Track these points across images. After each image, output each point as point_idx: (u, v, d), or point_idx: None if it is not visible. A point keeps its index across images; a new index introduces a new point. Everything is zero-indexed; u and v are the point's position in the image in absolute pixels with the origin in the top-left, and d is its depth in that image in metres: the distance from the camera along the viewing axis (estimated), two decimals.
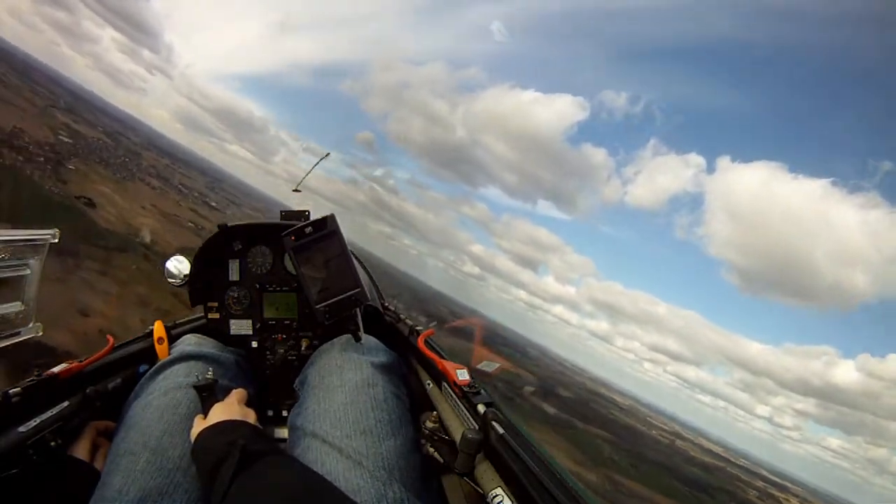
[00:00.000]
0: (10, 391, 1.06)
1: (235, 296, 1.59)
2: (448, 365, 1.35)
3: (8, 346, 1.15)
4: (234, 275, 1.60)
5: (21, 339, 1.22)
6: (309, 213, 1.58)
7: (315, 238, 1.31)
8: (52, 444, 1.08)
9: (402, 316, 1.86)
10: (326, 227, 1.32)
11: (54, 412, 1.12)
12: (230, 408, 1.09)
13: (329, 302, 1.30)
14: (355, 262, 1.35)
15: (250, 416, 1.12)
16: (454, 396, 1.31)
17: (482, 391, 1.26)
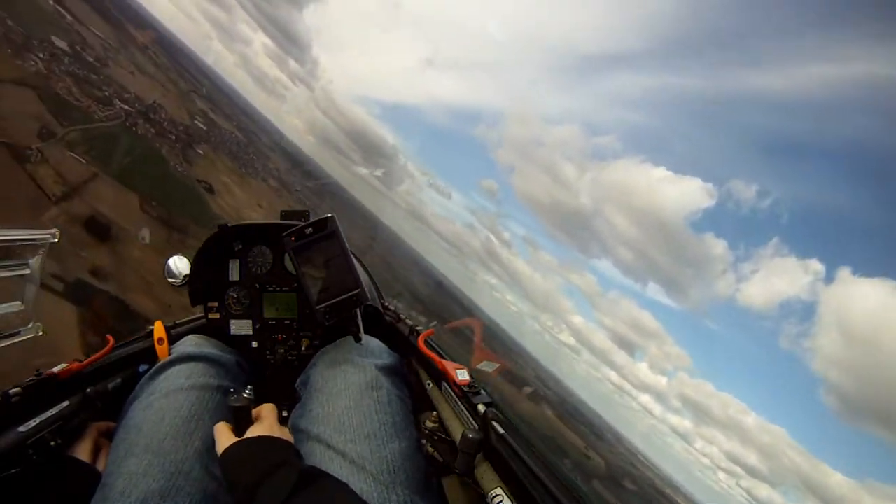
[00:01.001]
0: (10, 391, 1.06)
1: (235, 296, 1.58)
2: (448, 365, 1.35)
3: (7, 346, 1.15)
4: (234, 275, 1.60)
5: (21, 339, 1.22)
6: (309, 213, 1.58)
7: (315, 238, 1.31)
8: (52, 443, 1.07)
9: (402, 316, 1.86)
10: (326, 228, 1.32)
11: (54, 412, 1.12)
12: (271, 426, 1.06)
13: (329, 302, 1.30)
14: (355, 262, 1.35)
15: (286, 435, 1.07)
16: (454, 396, 1.31)
17: (482, 391, 1.26)
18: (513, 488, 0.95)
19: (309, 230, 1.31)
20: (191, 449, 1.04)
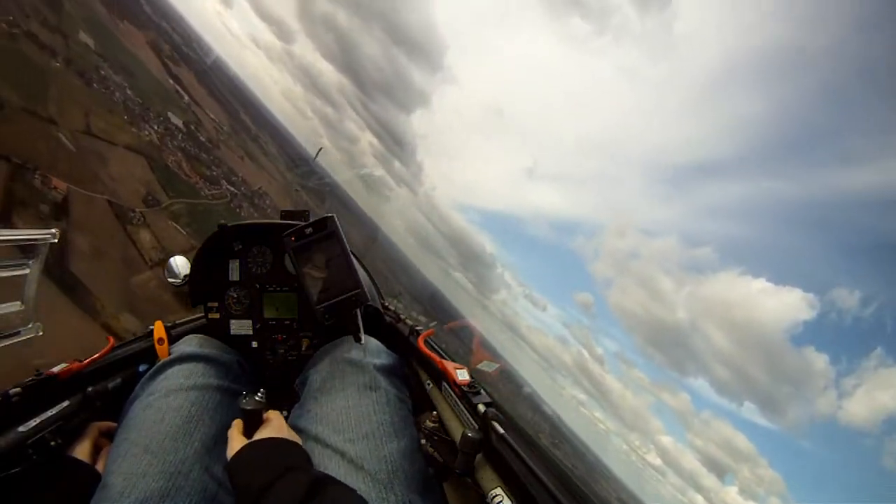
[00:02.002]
0: (10, 391, 1.06)
1: (235, 296, 1.58)
2: (448, 365, 1.35)
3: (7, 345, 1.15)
4: (234, 275, 1.60)
5: (21, 339, 1.22)
6: (309, 213, 1.58)
7: (315, 238, 1.31)
8: (52, 443, 1.08)
9: (402, 316, 1.86)
10: (326, 228, 1.32)
11: (54, 412, 1.12)
12: (281, 429, 1.06)
13: (329, 302, 1.30)
14: (355, 262, 1.35)
15: (296, 439, 1.07)
16: (454, 396, 1.31)
17: (482, 391, 1.26)
18: (513, 488, 0.95)
19: (309, 230, 1.31)
20: (191, 449, 1.04)
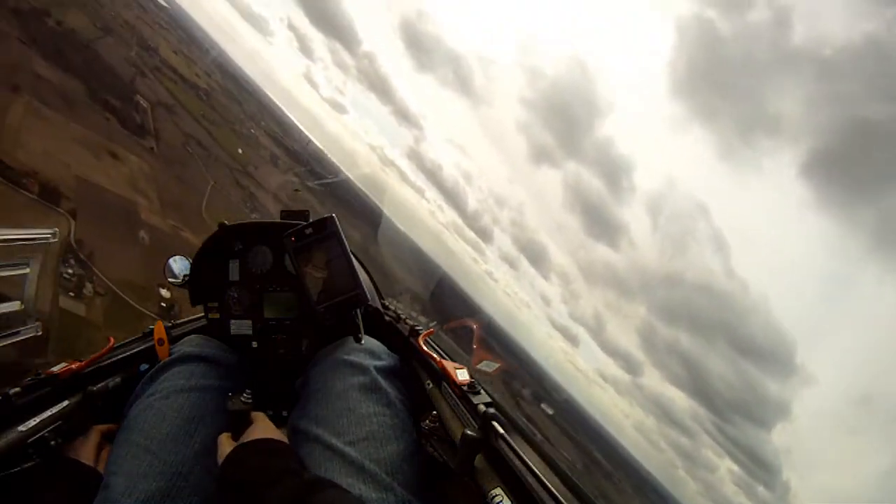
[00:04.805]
0: (10, 391, 1.06)
1: (235, 296, 1.58)
2: (448, 365, 1.35)
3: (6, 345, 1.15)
4: (234, 275, 1.59)
5: (20, 338, 1.22)
6: (309, 213, 1.58)
7: (315, 239, 1.31)
8: (52, 443, 1.08)
9: (402, 316, 1.86)
10: (326, 229, 1.31)
11: (54, 411, 1.12)
12: (268, 430, 1.06)
13: (329, 303, 1.30)
14: (356, 262, 1.35)
15: (282, 437, 1.06)
16: (454, 396, 1.31)
17: (482, 391, 1.26)
18: (513, 488, 0.95)
19: (309, 230, 1.31)
20: (191, 450, 1.04)
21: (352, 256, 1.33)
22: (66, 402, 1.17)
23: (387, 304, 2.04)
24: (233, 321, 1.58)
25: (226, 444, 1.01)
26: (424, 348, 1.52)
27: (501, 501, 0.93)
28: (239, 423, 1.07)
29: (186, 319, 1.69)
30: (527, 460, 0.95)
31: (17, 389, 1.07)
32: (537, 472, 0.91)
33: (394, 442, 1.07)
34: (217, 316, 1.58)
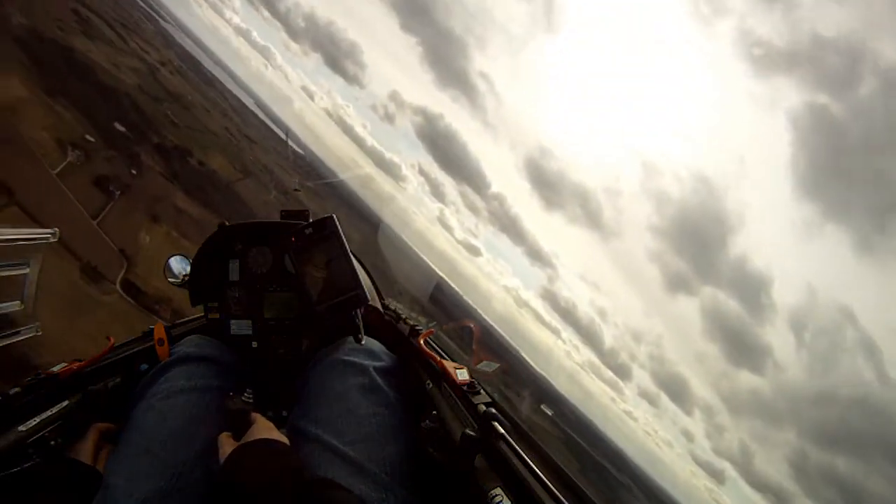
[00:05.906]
0: (11, 391, 1.06)
1: (235, 296, 1.58)
2: (448, 365, 1.35)
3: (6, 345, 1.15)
4: (234, 275, 1.59)
5: (20, 338, 1.22)
6: (309, 213, 1.58)
7: (315, 239, 1.31)
8: (52, 443, 1.08)
9: (402, 316, 1.86)
10: (326, 229, 1.32)
11: (54, 411, 1.12)
12: (268, 429, 1.05)
13: (329, 303, 1.30)
14: (356, 262, 1.35)
15: (282, 438, 1.06)
16: (454, 396, 1.31)
17: (482, 391, 1.26)
18: (512, 488, 0.95)
19: (309, 230, 1.31)
20: (192, 451, 1.04)
21: (352, 256, 1.33)
22: (66, 402, 1.17)
23: (387, 303, 2.04)
24: (233, 321, 1.58)
25: (226, 445, 1.00)
26: (424, 348, 1.52)
27: (501, 501, 0.93)
28: (239, 424, 1.07)
29: (186, 319, 1.70)
30: (527, 460, 0.95)
31: (17, 389, 1.07)
32: (537, 472, 0.91)
33: (394, 442, 1.07)
34: (217, 316, 1.58)
